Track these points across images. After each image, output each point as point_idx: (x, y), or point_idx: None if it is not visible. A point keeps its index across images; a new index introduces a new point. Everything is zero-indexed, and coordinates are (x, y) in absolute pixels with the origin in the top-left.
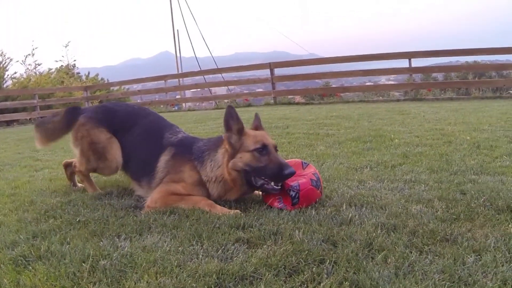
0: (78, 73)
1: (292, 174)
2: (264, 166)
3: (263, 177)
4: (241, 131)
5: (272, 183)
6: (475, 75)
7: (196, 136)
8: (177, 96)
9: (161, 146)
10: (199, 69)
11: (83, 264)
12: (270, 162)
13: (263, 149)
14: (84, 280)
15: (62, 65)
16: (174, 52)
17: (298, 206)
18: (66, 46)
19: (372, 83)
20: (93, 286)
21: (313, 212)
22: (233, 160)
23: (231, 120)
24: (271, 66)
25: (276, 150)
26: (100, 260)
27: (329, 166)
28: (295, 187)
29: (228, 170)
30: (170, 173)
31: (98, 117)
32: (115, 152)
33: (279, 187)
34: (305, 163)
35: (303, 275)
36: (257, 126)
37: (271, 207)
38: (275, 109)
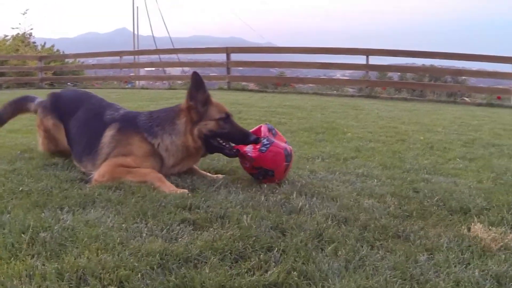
0: (34, 42)
1: (255, 141)
2: (228, 133)
3: (226, 142)
4: (207, 100)
5: (229, 145)
6: (430, 78)
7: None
8: (131, 74)
9: (104, 123)
10: (155, 48)
11: (23, 235)
12: (234, 130)
13: (227, 118)
14: (22, 252)
15: (18, 33)
16: (131, 29)
17: (259, 156)
18: (24, 14)
19: (327, 77)
20: (31, 258)
21: (262, 198)
22: (198, 128)
23: (198, 88)
24: (228, 50)
25: None
26: (40, 232)
27: None
28: (270, 140)
29: (194, 137)
30: (117, 147)
31: (47, 105)
32: (62, 138)
33: (235, 152)
34: (270, 128)
35: (250, 261)
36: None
37: (218, 190)
38: (228, 94)
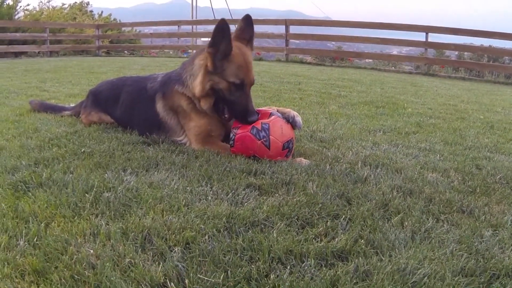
0: (91, 11)
1: (253, 122)
2: (233, 101)
3: (228, 111)
4: (227, 54)
5: (227, 116)
6: (489, 59)
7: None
8: (188, 44)
9: (150, 97)
10: (214, 18)
11: (86, 194)
12: (240, 102)
13: (240, 86)
14: (86, 211)
15: (76, 2)
16: (189, 0)
17: (233, 151)
18: None
19: (384, 53)
20: (95, 218)
21: (327, 167)
22: (210, 83)
23: (222, 36)
24: (287, 23)
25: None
26: (104, 192)
27: (342, 125)
28: (234, 130)
29: (203, 87)
30: (176, 115)
31: (87, 104)
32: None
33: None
34: (273, 114)
35: (317, 228)
36: (249, 37)
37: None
38: (286, 65)
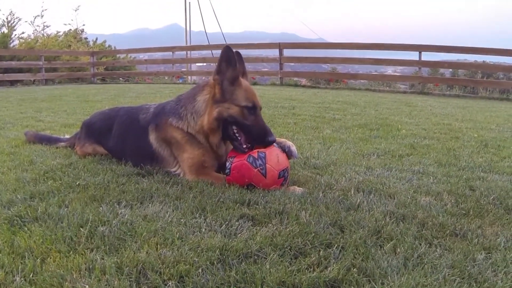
0: (86, 38)
1: (273, 142)
2: (250, 126)
3: (244, 135)
4: (235, 80)
5: (243, 144)
6: (483, 75)
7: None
8: (183, 69)
9: (142, 128)
10: (208, 43)
11: (81, 229)
12: (256, 124)
13: (253, 109)
14: (81, 246)
15: (70, 29)
16: (183, 25)
17: (229, 180)
18: (76, 10)
19: (378, 73)
20: (90, 252)
21: (320, 194)
22: (219, 109)
23: (228, 63)
24: (281, 46)
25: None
26: (99, 226)
27: (336, 150)
28: (230, 159)
29: (210, 118)
30: (169, 147)
31: (81, 136)
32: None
33: (246, 149)
34: None
35: (310, 258)
36: (243, 71)
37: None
38: (281, 89)
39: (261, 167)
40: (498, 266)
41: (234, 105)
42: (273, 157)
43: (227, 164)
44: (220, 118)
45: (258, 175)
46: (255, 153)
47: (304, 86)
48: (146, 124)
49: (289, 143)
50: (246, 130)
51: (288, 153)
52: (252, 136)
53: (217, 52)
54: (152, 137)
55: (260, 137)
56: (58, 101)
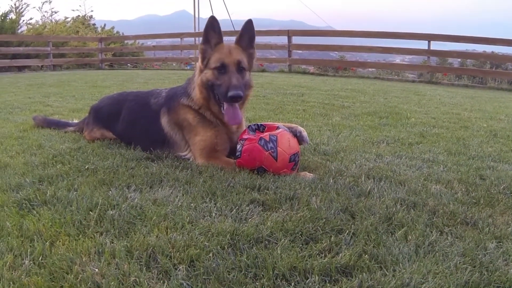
0: (94, 24)
1: (235, 96)
2: (219, 85)
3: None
4: (217, 45)
5: (224, 106)
6: (491, 66)
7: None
8: (191, 56)
9: (154, 112)
10: None
11: (90, 212)
12: (223, 81)
13: (222, 68)
14: (90, 229)
15: (78, 15)
16: (191, 12)
17: (240, 162)
18: None
19: (387, 62)
20: (99, 236)
21: (331, 181)
22: (200, 77)
23: (212, 31)
24: (289, 33)
25: (242, 68)
26: (108, 210)
27: (346, 137)
28: (241, 142)
29: (198, 87)
30: (181, 131)
31: (89, 121)
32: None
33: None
34: (280, 127)
35: (321, 243)
36: (247, 42)
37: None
38: (289, 76)
39: (272, 150)
40: (509, 255)
41: (208, 69)
42: (285, 140)
43: (238, 146)
44: (202, 84)
45: (269, 158)
46: (266, 136)
47: (312, 73)
48: (158, 107)
49: (300, 128)
50: (217, 90)
51: (300, 138)
52: (219, 94)
53: (226, 39)
54: (164, 121)
55: (222, 94)
56: (66, 87)
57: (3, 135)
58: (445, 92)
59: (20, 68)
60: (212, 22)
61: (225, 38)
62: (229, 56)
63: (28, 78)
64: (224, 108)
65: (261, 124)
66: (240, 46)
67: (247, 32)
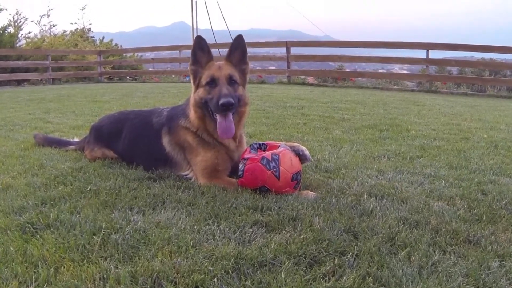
0: (93, 37)
1: (225, 104)
2: (211, 98)
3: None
4: (207, 63)
5: (218, 117)
6: (490, 73)
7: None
8: None
9: (156, 131)
10: (215, 42)
11: (94, 236)
12: (214, 94)
13: (212, 82)
14: (94, 254)
15: (77, 28)
16: (190, 23)
17: (242, 182)
18: (82, 9)
19: (386, 71)
20: (104, 261)
21: (333, 200)
22: (193, 97)
23: (200, 52)
24: (288, 44)
25: (234, 81)
26: (111, 234)
27: (347, 152)
28: (243, 161)
29: (192, 108)
30: (182, 151)
31: (90, 140)
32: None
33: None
34: (282, 146)
35: (325, 266)
36: (237, 60)
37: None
38: (289, 88)
39: (274, 169)
40: None
41: (200, 87)
42: (287, 159)
43: (240, 166)
44: (196, 104)
45: (271, 177)
46: (268, 155)
47: (311, 84)
48: (159, 127)
49: (302, 147)
50: (210, 104)
51: (302, 157)
52: (212, 107)
53: (224, 51)
54: (165, 140)
55: (214, 105)
56: (66, 101)
57: (4, 154)
58: (444, 102)
59: (20, 82)
60: (200, 42)
61: (223, 50)
62: (219, 71)
63: (27, 92)
64: (218, 121)
65: (262, 143)
66: (230, 62)
67: (238, 47)
